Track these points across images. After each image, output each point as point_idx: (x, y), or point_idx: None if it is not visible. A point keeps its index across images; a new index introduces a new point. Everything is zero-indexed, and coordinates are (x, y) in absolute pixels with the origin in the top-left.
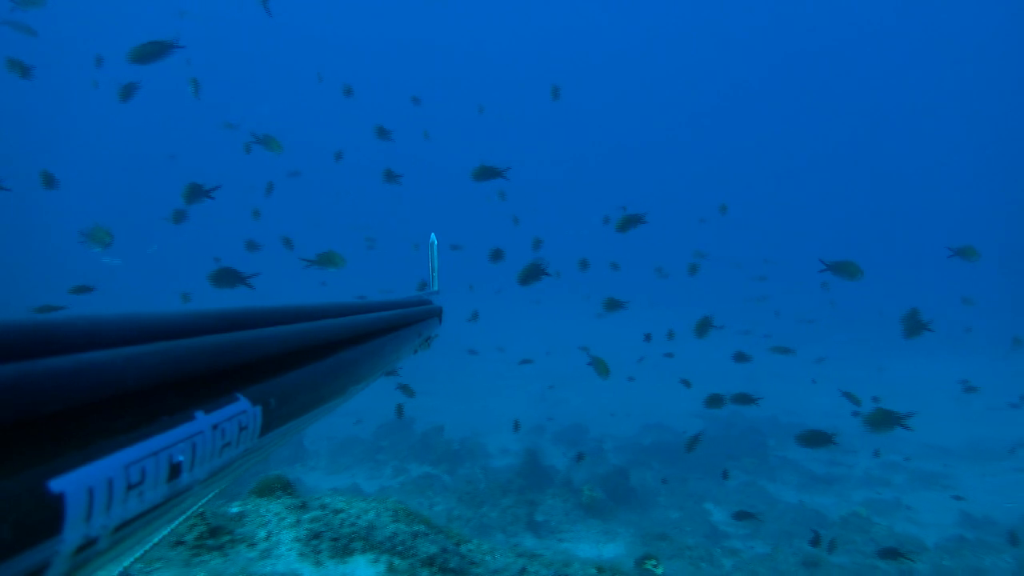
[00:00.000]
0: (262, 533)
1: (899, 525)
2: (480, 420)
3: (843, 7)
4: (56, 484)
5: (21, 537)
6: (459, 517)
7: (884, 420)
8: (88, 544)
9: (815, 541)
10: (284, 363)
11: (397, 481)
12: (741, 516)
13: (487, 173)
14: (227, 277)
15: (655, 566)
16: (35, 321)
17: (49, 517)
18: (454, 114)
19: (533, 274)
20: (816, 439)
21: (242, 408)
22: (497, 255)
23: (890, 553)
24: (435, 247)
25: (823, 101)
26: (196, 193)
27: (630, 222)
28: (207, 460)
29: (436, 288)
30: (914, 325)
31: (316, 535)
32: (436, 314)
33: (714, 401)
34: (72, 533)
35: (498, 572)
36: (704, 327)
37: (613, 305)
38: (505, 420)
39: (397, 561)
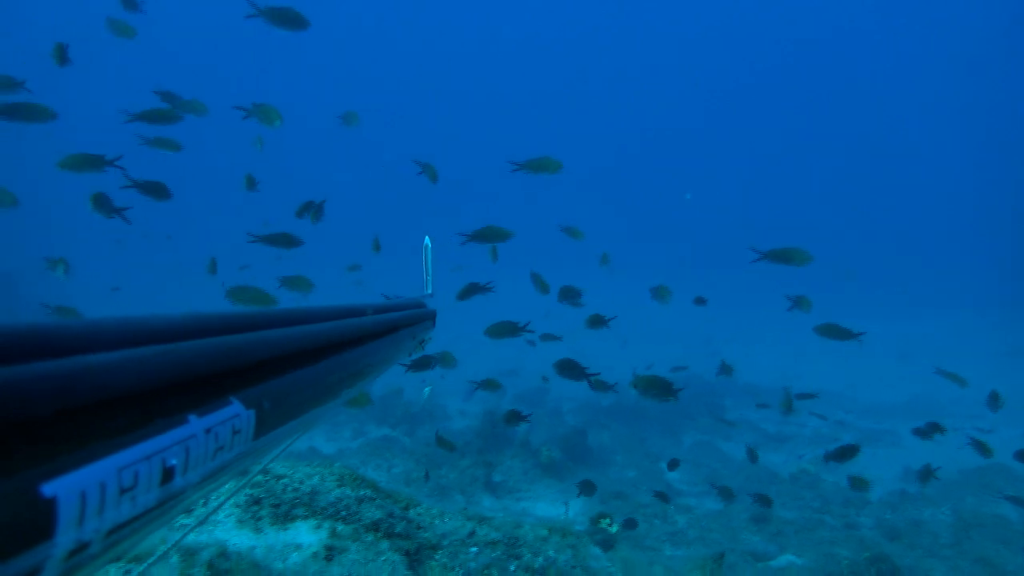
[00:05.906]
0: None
1: (845, 481)
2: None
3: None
4: (49, 488)
5: (13, 541)
6: (417, 479)
7: (596, 321)
8: (80, 548)
9: (762, 500)
10: (278, 366)
11: (356, 443)
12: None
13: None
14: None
15: (610, 524)
16: (30, 325)
17: (41, 521)
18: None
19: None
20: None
21: (235, 412)
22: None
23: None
24: (429, 250)
25: (819, 100)
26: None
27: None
28: (200, 464)
29: (430, 291)
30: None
31: (256, 501)
32: (430, 317)
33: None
34: (64, 537)
35: (446, 535)
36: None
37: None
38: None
39: (340, 527)
